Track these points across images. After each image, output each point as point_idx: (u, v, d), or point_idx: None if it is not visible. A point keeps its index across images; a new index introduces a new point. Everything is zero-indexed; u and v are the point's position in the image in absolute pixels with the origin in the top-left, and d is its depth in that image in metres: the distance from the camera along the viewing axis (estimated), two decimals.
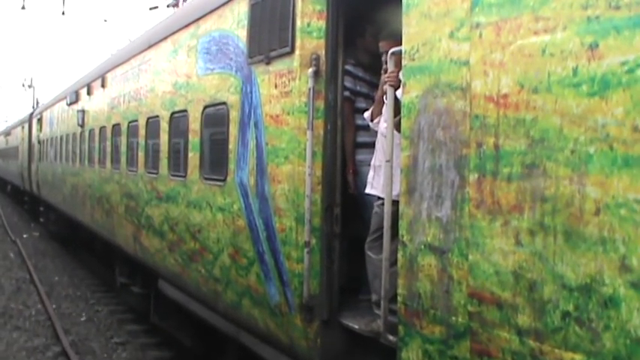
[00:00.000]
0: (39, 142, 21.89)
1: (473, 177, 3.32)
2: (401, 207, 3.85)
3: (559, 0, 2.90)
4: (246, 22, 5.92)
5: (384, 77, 4.17)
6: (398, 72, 3.97)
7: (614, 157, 2.65)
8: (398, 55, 3.96)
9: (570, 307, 2.83)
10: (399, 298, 3.88)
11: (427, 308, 3.64)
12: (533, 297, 3.00)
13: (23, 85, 62.47)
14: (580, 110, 2.78)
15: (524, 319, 3.05)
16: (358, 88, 5.16)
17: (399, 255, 3.86)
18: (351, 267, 5.29)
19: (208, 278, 6.81)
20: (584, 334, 2.78)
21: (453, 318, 3.46)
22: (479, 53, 3.30)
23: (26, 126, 26.15)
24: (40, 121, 21.85)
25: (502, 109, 3.15)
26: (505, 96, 3.14)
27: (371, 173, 4.81)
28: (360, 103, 5.20)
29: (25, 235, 22.70)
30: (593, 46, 2.74)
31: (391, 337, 4.04)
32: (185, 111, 7.49)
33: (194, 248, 7.14)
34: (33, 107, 42.87)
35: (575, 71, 2.81)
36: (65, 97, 16.22)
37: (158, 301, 9.88)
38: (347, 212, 5.06)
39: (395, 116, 4.05)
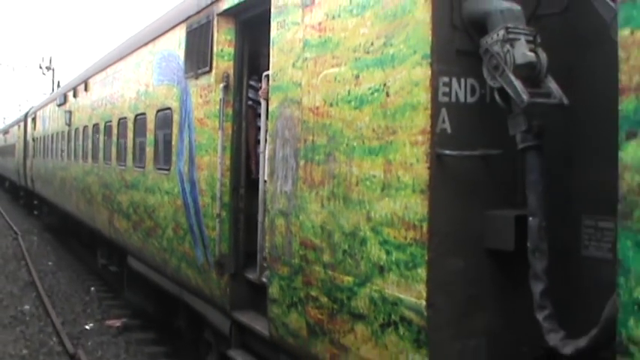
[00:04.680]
0: (33, 139, 23.49)
1: (302, 162, 4.86)
2: (267, 185, 5.41)
3: (343, 45, 4.43)
4: (184, 45, 7.48)
5: (260, 93, 5.73)
6: (268, 89, 5.52)
7: (364, 148, 4.19)
8: (268, 77, 5.51)
9: (346, 247, 4.37)
10: (266, 250, 5.44)
11: (280, 255, 5.19)
12: (330, 241, 4.53)
13: (40, 67, 54.60)
14: (350, 118, 4.32)
15: (326, 257, 4.59)
16: (259, 98, 6.68)
17: (266, 219, 5.43)
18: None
19: (160, 249, 8.37)
20: (353, 263, 4.31)
21: (293, 260, 5.00)
22: (306, 78, 4.85)
23: (22, 124, 27.75)
24: (34, 120, 23.46)
25: (316, 116, 4.70)
26: (317, 107, 4.68)
27: None
28: (260, 110, 6.73)
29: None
30: (357, 77, 4.27)
31: (264, 279, 5.59)
32: (144, 114, 9.06)
33: (150, 226, 8.70)
34: (53, 91, 38.95)
35: (348, 92, 4.35)
36: (56, 99, 17.84)
37: (130, 277, 11.44)
38: (250, 192, 6.60)
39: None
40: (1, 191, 43.06)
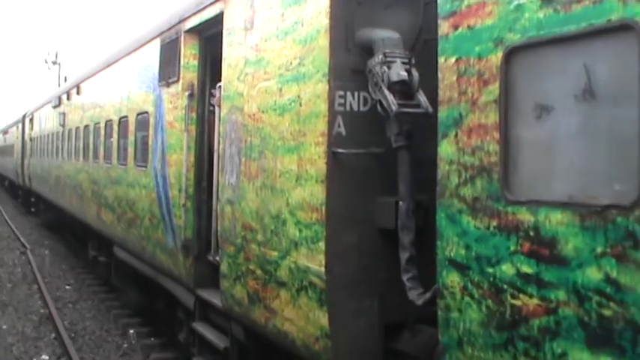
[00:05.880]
0: (30, 140, 24.55)
1: (243, 159, 5.88)
2: (219, 178, 6.43)
3: (272, 63, 5.44)
4: (158, 57, 8.51)
5: (214, 101, 6.76)
6: (220, 98, 6.53)
7: (285, 147, 5.20)
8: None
9: (273, 227, 5.38)
10: (218, 233, 6.46)
11: (228, 237, 6.21)
12: (262, 223, 5.55)
13: (46, 62, 52.73)
14: (276, 123, 5.34)
15: (259, 236, 5.60)
16: None
17: (218, 206, 6.44)
18: None
19: (139, 238, 9.39)
20: (277, 240, 5.32)
21: (237, 240, 6.02)
22: (246, 90, 5.86)
23: (20, 125, 28.80)
24: (31, 121, 24.52)
25: (253, 121, 5.71)
26: (254, 114, 5.70)
27: None
28: None
29: None
30: (280, 90, 5.28)
31: (218, 258, 6.61)
32: (127, 117, 10.10)
33: (131, 217, 9.72)
34: (59, 86, 36.90)
35: (275, 102, 5.36)
36: (51, 101, 18.90)
37: (116, 265, 12.46)
38: (212, 185, 7.60)
39: None
40: (2, 191, 43.88)
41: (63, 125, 16.23)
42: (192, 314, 7.83)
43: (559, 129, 3.11)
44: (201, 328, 7.37)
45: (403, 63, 4.55)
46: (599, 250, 2.83)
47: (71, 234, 19.02)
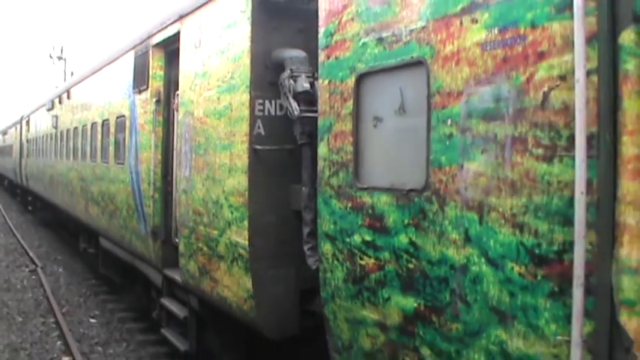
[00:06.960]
0: (27, 141, 25.77)
1: (193, 156, 7.07)
2: (177, 172, 7.62)
3: (213, 76, 6.62)
4: (132, 67, 9.70)
5: (174, 106, 7.95)
6: (178, 104, 7.72)
7: (221, 145, 6.38)
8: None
9: (214, 211, 6.56)
10: (177, 219, 7.65)
11: (183, 221, 7.40)
12: (206, 208, 6.73)
13: (51, 57, 50.85)
14: (215, 125, 6.51)
15: (205, 219, 6.78)
16: None
17: (177, 196, 7.63)
18: None
19: (119, 227, 10.58)
20: (217, 221, 6.50)
21: (189, 224, 7.21)
22: (196, 97, 7.05)
23: (18, 127, 30.01)
24: (28, 123, 25.74)
25: (200, 124, 6.90)
26: (201, 117, 6.89)
27: None
28: None
29: None
30: (218, 98, 6.46)
31: (177, 240, 7.80)
32: (108, 120, 11.30)
33: (112, 209, 10.92)
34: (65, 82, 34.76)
35: (214, 108, 6.54)
36: (45, 104, 20.10)
37: (103, 256, 13.65)
38: None
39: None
40: (2, 191, 44.87)
41: (56, 127, 17.44)
42: (160, 291, 9.02)
43: (385, 135, 4.30)
44: (167, 302, 8.56)
45: (307, 77, 5.71)
46: (406, 221, 4.01)
47: (65, 229, 20.19)
